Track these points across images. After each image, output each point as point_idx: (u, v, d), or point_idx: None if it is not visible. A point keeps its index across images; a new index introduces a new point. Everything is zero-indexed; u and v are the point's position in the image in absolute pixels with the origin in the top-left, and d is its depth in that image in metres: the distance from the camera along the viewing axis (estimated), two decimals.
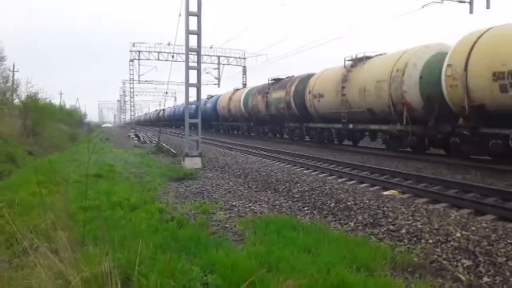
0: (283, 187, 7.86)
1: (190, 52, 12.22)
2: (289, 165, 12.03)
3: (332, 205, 6.22)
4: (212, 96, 37.92)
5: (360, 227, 5.15)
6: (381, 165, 10.67)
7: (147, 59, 39.67)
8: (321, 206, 6.28)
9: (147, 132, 42.28)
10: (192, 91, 12.64)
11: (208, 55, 39.77)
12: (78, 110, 70.67)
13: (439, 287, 3.40)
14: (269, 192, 7.68)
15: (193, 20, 11.73)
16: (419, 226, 4.78)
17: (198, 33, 11.87)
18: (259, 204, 6.51)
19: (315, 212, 6.09)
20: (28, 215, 5.05)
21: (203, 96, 34.75)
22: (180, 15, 11.91)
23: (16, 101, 29.20)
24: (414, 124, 12.57)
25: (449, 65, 10.70)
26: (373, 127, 15.00)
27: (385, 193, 7.31)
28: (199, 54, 12.38)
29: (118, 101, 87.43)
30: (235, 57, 41.86)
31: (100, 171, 9.38)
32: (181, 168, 10.89)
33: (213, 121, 36.38)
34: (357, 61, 15.82)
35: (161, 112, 64.90)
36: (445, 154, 12.39)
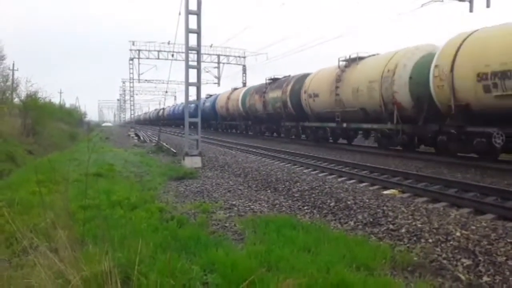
0: (283, 186, 7.86)
1: (190, 51, 12.21)
2: (288, 164, 12.04)
3: (332, 204, 6.22)
4: (210, 95, 37.96)
5: (360, 226, 5.15)
6: (379, 164, 10.66)
7: (147, 58, 39.69)
8: (321, 205, 6.28)
9: (147, 131, 42.30)
10: (192, 90, 12.64)
11: (208, 54, 39.83)
12: (78, 109, 70.78)
13: (439, 287, 3.39)
14: (269, 191, 7.68)
15: (193, 19, 11.74)
16: (419, 225, 4.78)
17: (198, 32, 11.86)
18: (259, 203, 6.51)
19: (315, 211, 6.09)
20: (28, 214, 5.06)
21: (202, 95, 34.72)
22: (180, 13, 11.89)
23: (16, 100, 29.17)
24: (405, 123, 12.87)
25: (436, 66, 10.97)
26: (366, 126, 15.29)
27: (385, 192, 7.32)
28: (199, 53, 12.39)
29: (118, 100, 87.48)
30: (235, 56, 41.91)
31: (100, 170, 9.38)
32: (181, 167, 10.88)
33: (212, 120, 36.46)
34: (351, 62, 16.01)
35: (161, 111, 64.93)
36: (434, 152, 12.71)
